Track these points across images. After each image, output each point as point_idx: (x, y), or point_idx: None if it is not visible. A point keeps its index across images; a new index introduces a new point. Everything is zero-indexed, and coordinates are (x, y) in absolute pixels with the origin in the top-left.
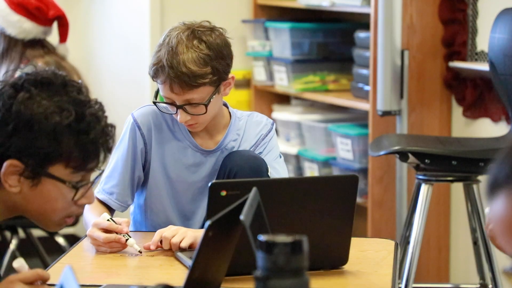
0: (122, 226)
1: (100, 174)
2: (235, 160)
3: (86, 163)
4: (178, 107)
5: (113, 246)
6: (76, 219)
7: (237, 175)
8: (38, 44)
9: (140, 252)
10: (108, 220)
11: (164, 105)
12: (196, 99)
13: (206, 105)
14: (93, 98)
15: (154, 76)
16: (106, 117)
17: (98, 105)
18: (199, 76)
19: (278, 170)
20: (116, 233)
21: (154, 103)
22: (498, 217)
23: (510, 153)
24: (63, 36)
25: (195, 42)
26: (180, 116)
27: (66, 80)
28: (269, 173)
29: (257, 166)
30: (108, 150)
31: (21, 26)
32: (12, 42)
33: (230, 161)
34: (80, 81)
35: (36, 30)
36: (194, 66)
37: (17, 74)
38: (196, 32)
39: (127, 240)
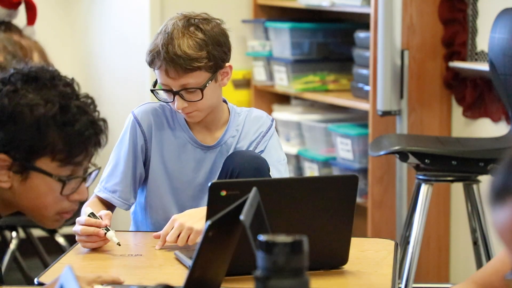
0: (103, 219)
1: (98, 170)
2: (237, 161)
3: (72, 156)
4: (174, 93)
5: (95, 240)
6: (75, 215)
7: (239, 176)
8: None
9: (119, 245)
10: (89, 215)
11: (163, 97)
12: (192, 83)
13: (202, 90)
14: (83, 92)
15: (151, 62)
16: (97, 111)
17: (89, 100)
18: (194, 59)
19: (280, 170)
20: (97, 227)
21: (152, 91)
22: (508, 224)
23: None
24: (30, 19)
25: (191, 29)
26: (177, 103)
27: (54, 74)
28: (270, 173)
29: (259, 165)
30: (98, 144)
31: None
32: None
33: (232, 162)
34: (39, 61)
35: (0, 13)
36: (189, 50)
37: None
38: (193, 20)
39: (106, 233)
